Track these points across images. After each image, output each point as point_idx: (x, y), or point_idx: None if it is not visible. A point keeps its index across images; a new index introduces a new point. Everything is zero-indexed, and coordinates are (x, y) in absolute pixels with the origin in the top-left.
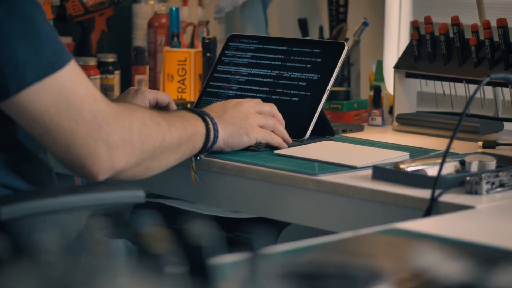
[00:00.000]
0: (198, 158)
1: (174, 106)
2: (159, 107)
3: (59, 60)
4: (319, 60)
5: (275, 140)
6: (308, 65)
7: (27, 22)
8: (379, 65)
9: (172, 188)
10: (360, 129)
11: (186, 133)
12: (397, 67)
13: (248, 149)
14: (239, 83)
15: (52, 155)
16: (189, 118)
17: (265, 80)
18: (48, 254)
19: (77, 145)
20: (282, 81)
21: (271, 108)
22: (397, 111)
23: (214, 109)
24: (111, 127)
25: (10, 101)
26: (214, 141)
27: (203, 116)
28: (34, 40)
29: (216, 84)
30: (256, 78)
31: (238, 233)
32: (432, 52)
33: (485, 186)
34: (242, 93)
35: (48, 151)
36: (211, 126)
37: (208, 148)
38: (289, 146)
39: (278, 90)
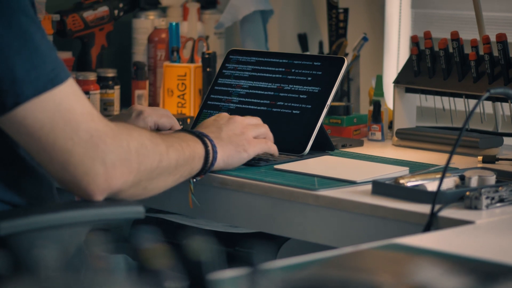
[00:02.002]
0: (195, 180)
1: (178, 127)
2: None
3: (57, 76)
4: (320, 73)
5: (272, 148)
6: (309, 78)
7: (24, 38)
8: (379, 80)
9: (171, 203)
10: (360, 144)
11: (184, 155)
12: (396, 82)
13: (247, 163)
14: (239, 96)
15: (49, 174)
16: (187, 139)
17: (265, 93)
18: (48, 270)
19: (73, 164)
20: (283, 94)
21: (258, 120)
22: (396, 126)
23: (210, 128)
24: (108, 146)
25: (6, 116)
26: (212, 163)
27: (202, 138)
28: (32, 55)
29: (217, 97)
30: (256, 91)
31: (237, 248)
32: (431, 67)
33: (484, 201)
34: (243, 105)
35: (45, 169)
36: (210, 148)
37: (206, 170)
38: (289, 161)
39: (278, 103)
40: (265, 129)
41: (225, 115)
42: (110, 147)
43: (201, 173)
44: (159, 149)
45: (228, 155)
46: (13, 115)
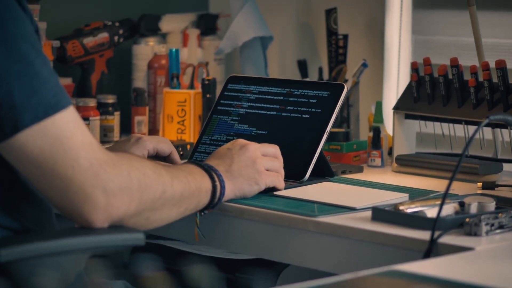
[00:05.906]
0: (203, 213)
1: (177, 157)
2: (160, 158)
3: (58, 103)
4: (319, 100)
5: (282, 184)
6: (309, 105)
7: (24, 63)
8: (378, 106)
9: (171, 230)
10: (360, 170)
11: (190, 188)
12: (396, 108)
13: None
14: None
15: (49, 202)
16: (194, 172)
17: (265, 119)
18: None
19: (73, 192)
20: (283, 120)
21: (275, 149)
22: (396, 152)
23: (220, 160)
24: (108, 175)
25: (5, 143)
26: (220, 199)
27: (209, 172)
28: (32, 81)
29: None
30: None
31: (237, 274)
32: (431, 93)
33: (484, 228)
34: (242, 132)
35: (45, 197)
36: (217, 183)
37: (214, 205)
38: (289, 187)
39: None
40: (279, 164)
41: (239, 142)
42: (111, 175)
43: (209, 207)
44: (162, 180)
45: (239, 188)
46: (12, 141)
